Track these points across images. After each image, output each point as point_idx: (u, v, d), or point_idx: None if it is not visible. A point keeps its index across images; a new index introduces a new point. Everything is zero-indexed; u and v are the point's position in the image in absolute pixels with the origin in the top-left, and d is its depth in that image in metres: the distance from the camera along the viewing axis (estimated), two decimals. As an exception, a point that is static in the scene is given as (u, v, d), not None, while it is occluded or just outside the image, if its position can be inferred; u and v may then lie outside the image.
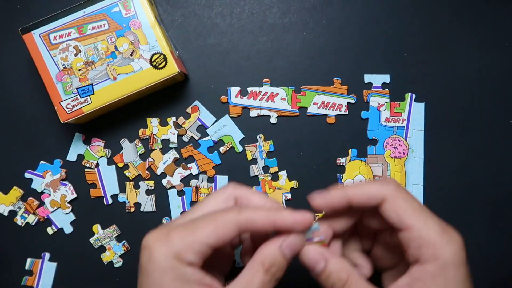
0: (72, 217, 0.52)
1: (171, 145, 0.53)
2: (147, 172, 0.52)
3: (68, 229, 0.53)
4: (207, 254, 0.32)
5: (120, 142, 0.53)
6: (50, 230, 0.52)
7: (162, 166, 0.52)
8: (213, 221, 0.32)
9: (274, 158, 0.52)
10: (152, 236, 0.32)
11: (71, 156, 0.53)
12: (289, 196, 0.52)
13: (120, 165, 0.52)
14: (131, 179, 0.52)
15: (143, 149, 0.52)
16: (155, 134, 0.52)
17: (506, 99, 0.52)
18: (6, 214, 0.53)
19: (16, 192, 0.53)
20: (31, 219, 0.52)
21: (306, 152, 0.52)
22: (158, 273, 0.31)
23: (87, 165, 0.53)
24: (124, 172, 0.52)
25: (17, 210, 0.53)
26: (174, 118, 0.52)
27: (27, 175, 0.53)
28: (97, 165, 0.53)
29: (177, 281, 0.31)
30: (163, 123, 0.53)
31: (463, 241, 0.33)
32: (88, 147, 0.53)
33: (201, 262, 0.32)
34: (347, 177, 0.52)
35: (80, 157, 0.53)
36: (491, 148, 0.52)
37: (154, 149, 0.52)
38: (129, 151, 0.52)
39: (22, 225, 0.53)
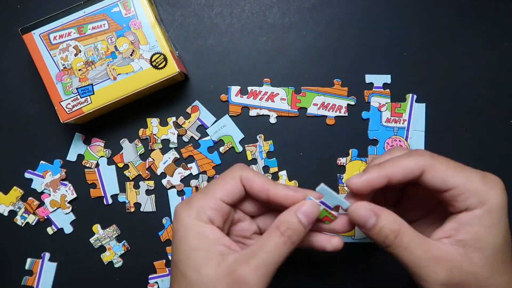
0: (72, 217, 0.52)
1: (171, 145, 0.52)
2: (147, 172, 0.52)
3: (68, 229, 0.53)
4: (223, 212, 0.37)
5: (120, 142, 0.53)
6: (50, 230, 0.52)
7: (162, 166, 0.52)
8: (221, 180, 0.38)
9: (274, 158, 0.52)
10: (179, 205, 0.38)
11: (71, 156, 0.53)
12: (289, 196, 0.52)
13: (120, 165, 0.52)
14: (131, 179, 0.52)
15: (143, 149, 0.52)
16: (155, 134, 0.52)
17: (506, 99, 0.52)
18: (6, 214, 0.53)
19: (16, 192, 0.53)
20: (31, 219, 0.52)
21: (306, 152, 0.52)
22: (183, 231, 0.36)
23: (87, 165, 0.53)
24: (124, 172, 0.52)
25: (17, 210, 0.53)
26: (174, 118, 0.52)
27: (27, 175, 0.53)
28: (97, 165, 0.53)
29: (197, 238, 0.35)
30: (163, 123, 0.53)
31: (503, 184, 0.36)
32: (88, 147, 0.53)
33: (220, 221, 0.37)
34: (348, 177, 0.51)
35: (80, 157, 0.53)
36: (491, 148, 0.52)
37: (154, 149, 0.52)
38: (129, 151, 0.52)
39: (22, 225, 0.53)
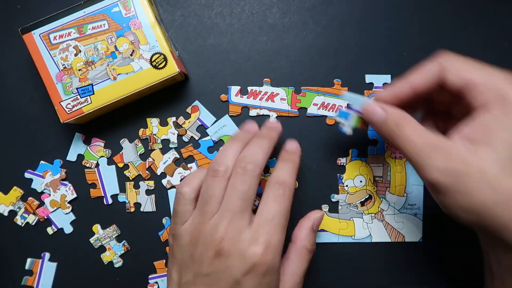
0: (72, 217, 0.53)
1: (171, 145, 0.53)
2: (147, 172, 0.52)
3: (68, 229, 0.53)
4: None
5: (120, 142, 0.53)
6: (50, 230, 0.53)
7: (162, 166, 0.52)
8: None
9: (274, 158, 0.52)
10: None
11: (71, 156, 0.53)
12: (289, 196, 0.52)
13: (120, 165, 0.52)
14: (131, 179, 0.52)
15: (143, 149, 0.52)
16: (155, 134, 0.52)
17: (507, 99, 0.52)
18: (6, 214, 0.53)
19: (16, 192, 0.53)
20: (31, 219, 0.53)
21: (306, 152, 0.52)
22: None
23: (87, 165, 0.53)
24: (124, 172, 0.52)
25: (17, 210, 0.53)
26: (174, 118, 0.52)
27: (27, 175, 0.53)
28: (97, 165, 0.53)
29: None
30: (163, 123, 0.53)
31: None
32: (88, 147, 0.53)
33: None
34: (348, 177, 0.52)
35: (80, 157, 0.53)
36: (491, 148, 0.51)
37: (154, 149, 0.52)
38: (129, 151, 0.52)
39: (22, 225, 0.53)
